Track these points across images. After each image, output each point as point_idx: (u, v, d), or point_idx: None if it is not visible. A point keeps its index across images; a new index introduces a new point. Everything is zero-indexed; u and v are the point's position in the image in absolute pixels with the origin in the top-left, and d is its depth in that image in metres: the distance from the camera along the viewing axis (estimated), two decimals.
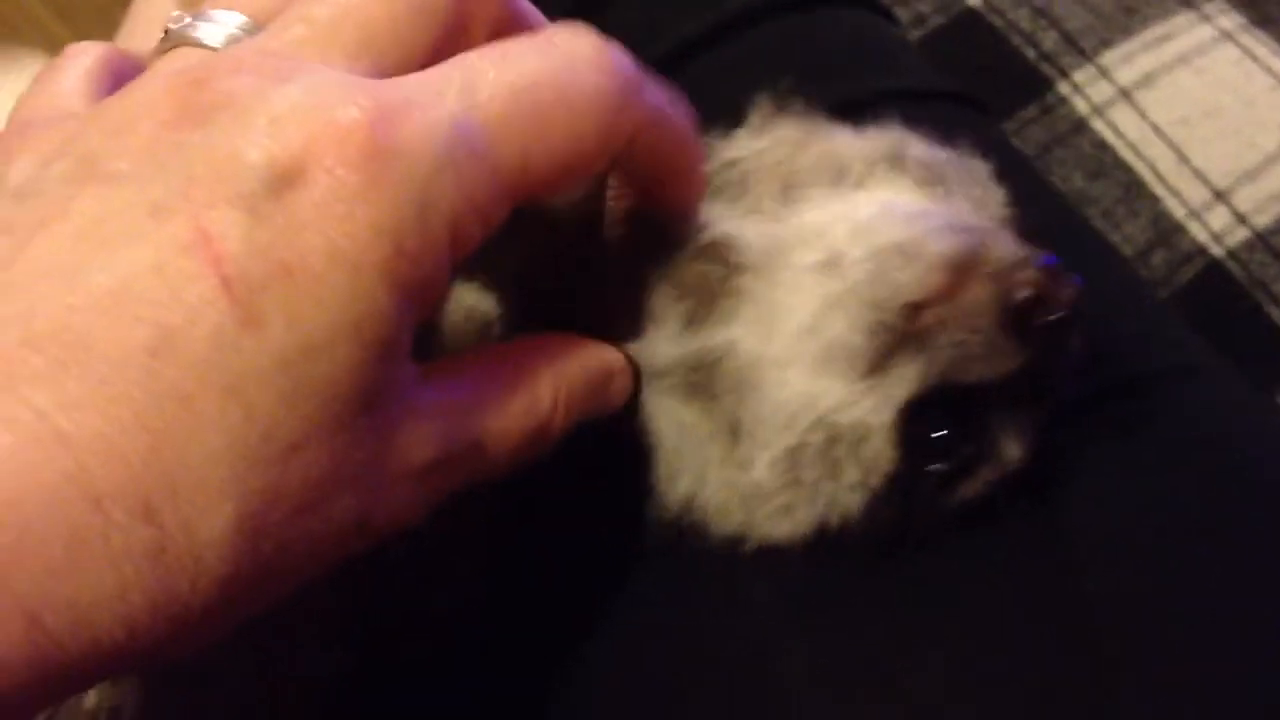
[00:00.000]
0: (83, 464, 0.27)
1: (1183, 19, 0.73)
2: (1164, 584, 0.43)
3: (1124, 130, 0.70)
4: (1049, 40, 0.72)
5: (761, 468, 0.42)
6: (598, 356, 0.40)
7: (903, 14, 0.72)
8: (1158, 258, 0.67)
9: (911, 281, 0.41)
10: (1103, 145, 0.70)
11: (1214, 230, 0.67)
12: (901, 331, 0.41)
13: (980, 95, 0.61)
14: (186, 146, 0.30)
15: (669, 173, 0.40)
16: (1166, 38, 0.72)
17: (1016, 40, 0.72)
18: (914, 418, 0.41)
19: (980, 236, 0.42)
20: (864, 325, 0.41)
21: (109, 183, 0.30)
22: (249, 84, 0.31)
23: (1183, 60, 0.71)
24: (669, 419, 0.43)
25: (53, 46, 1.52)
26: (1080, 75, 0.71)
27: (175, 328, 0.28)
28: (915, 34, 0.73)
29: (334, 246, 0.29)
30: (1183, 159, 0.69)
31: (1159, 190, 0.68)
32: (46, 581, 0.26)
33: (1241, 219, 0.67)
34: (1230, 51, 0.72)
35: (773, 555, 0.43)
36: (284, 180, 0.29)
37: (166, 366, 0.28)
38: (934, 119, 0.49)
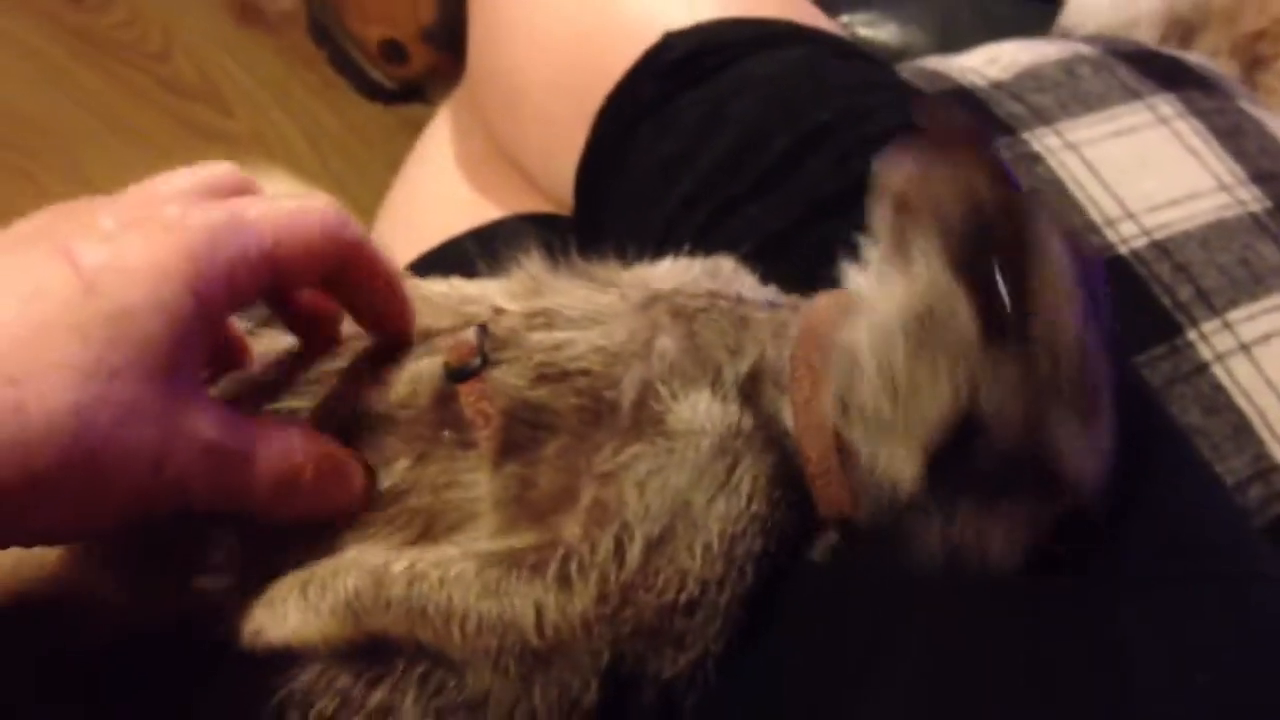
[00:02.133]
0: None
1: None
2: None
3: (1239, 378, 0.81)
4: (1185, 292, 0.84)
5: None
6: (344, 456, 0.57)
7: None
8: (1254, 491, 0.78)
9: None
10: (1219, 388, 0.81)
11: None
12: None
13: (1119, 331, 0.74)
14: (55, 223, 0.50)
15: (381, 289, 0.58)
16: None
17: (1156, 289, 0.85)
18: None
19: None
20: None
21: (5, 241, 0.50)
22: (98, 200, 0.51)
23: None
24: None
25: (298, 167, 1.74)
26: (1208, 326, 0.83)
27: (39, 289, 0.46)
28: None
29: (153, 257, 0.48)
30: None
31: (1264, 434, 0.79)
32: None
33: None
34: None
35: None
36: (123, 227, 0.49)
37: (31, 308, 0.46)
38: None
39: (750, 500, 0.57)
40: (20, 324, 0.46)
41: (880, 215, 0.58)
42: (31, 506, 0.46)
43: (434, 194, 1.12)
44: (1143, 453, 0.61)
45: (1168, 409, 0.75)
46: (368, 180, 1.73)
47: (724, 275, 0.65)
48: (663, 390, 0.58)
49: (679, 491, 0.56)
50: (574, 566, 0.55)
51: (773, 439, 0.58)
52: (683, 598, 0.56)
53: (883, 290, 0.57)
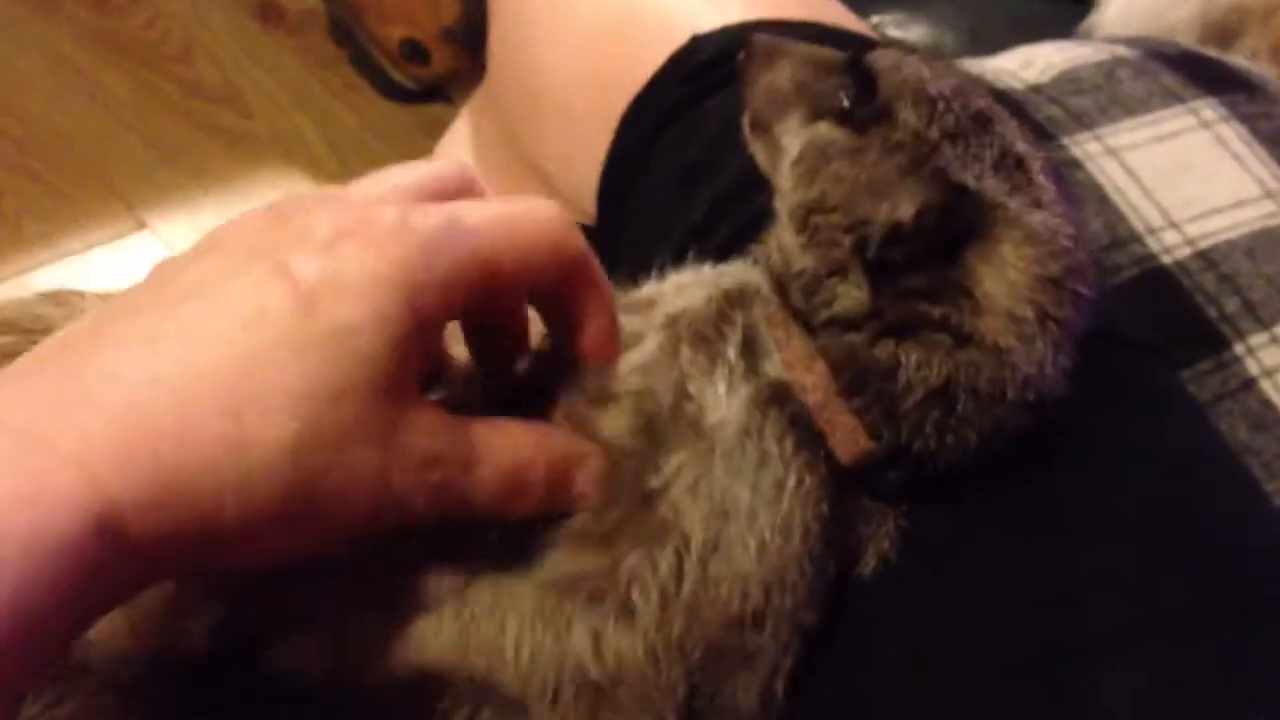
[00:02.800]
0: (192, 386, 0.43)
1: None
2: None
3: None
4: (1231, 304, 0.81)
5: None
6: (576, 443, 0.55)
7: None
8: None
9: None
10: (1268, 404, 0.78)
11: None
12: None
13: (1163, 344, 0.71)
14: (273, 230, 0.48)
15: (593, 309, 0.55)
16: None
17: (1200, 300, 0.82)
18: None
19: None
20: None
21: (218, 253, 0.48)
22: (313, 200, 0.50)
23: None
24: None
25: (318, 168, 1.72)
26: (1256, 340, 0.80)
27: (261, 312, 0.45)
28: (1110, 281, 0.83)
29: (369, 270, 0.46)
30: None
31: None
32: (172, 449, 0.41)
33: None
34: None
35: None
36: (340, 237, 0.47)
37: (254, 333, 0.44)
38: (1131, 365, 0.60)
39: (786, 471, 0.55)
40: (243, 351, 0.44)
41: (754, 150, 0.64)
42: (251, 540, 0.44)
43: None
44: (1189, 480, 0.59)
45: (1216, 428, 0.72)
46: None
47: (731, 274, 0.64)
48: (691, 388, 0.57)
49: (724, 488, 0.55)
50: (636, 591, 0.53)
51: (779, 395, 0.57)
52: (749, 608, 0.54)
53: (780, 186, 0.61)
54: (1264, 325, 0.81)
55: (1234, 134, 0.90)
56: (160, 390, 0.42)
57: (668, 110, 0.79)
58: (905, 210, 0.54)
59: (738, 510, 0.54)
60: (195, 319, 0.45)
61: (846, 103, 0.58)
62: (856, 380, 0.56)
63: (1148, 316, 0.80)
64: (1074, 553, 0.56)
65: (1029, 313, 0.54)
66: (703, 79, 0.79)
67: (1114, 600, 0.55)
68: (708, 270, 0.65)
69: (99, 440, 0.40)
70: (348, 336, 0.45)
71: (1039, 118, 0.90)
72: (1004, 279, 0.54)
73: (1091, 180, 0.87)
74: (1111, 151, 0.88)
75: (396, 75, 1.79)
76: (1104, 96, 0.92)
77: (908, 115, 0.56)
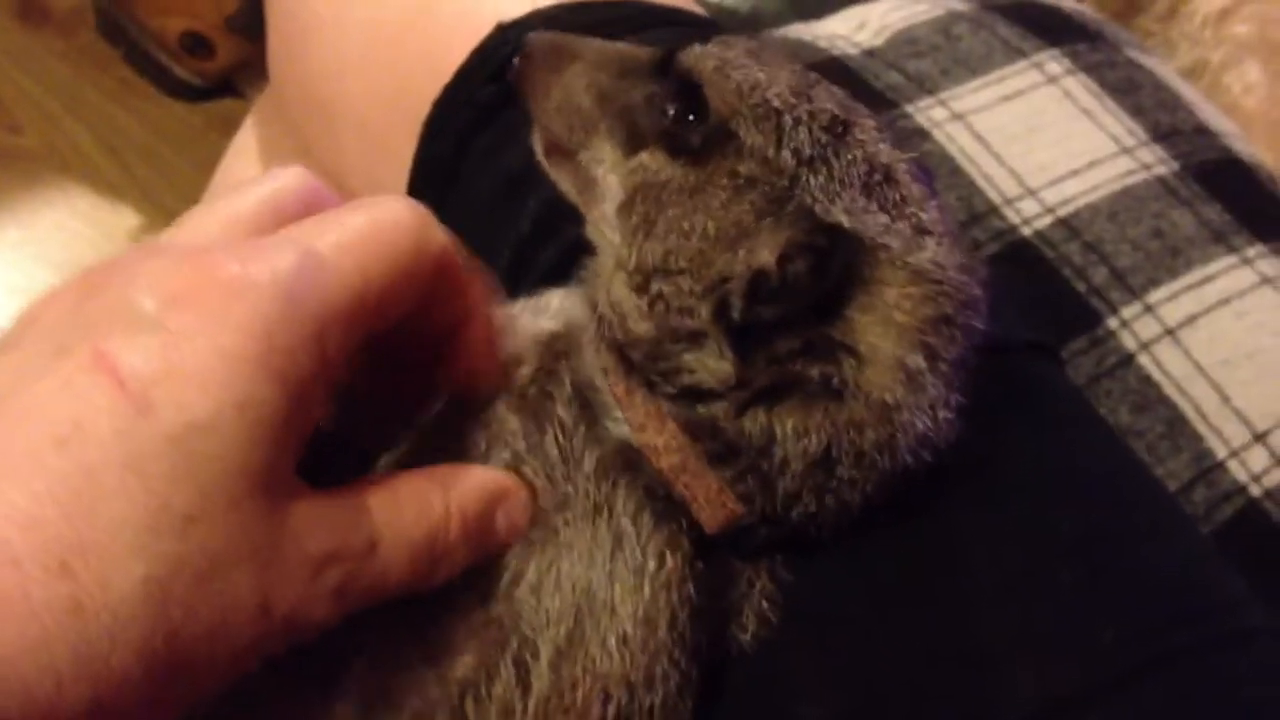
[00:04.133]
0: (3, 535, 0.33)
1: (1225, 262, 0.77)
2: None
3: (1169, 368, 0.73)
4: (1099, 275, 0.76)
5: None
6: (490, 477, 0.47)
7: None
8: (1198, 494, 0.70)
9: None
10: (1148, 381, 0.73)
11: (1253, 471, 0.70)
12: None
13: (1033, 325, 0.65)
14: (84, 308, 0.38)
15: (465, 308, 0.47)
16: (1209, 279, 0.76)
17: (1067, 273, 0.76)
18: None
19: None
20: None
21: (20, 349, 0.38)
22: (131, 260, 0.40)
23: (1224, 302, 0.75)
24: None
25: (99, 181, 1.58)
26: (1128, 311, 0.75)
27: (79, 422, 0.35)
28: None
29: (215, 344, 0.37)
30: (1224, 399, 0.72)
31: (1201, 428, 0.72)
32: None
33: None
34: (1270, 296, 0.75)
35: None
36: (169, 306, 0.37)
37: (74, 452, 0.35)
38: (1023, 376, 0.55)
39: (644, 554, 0.48)
40: (64, 479, 0.34)
41: (555, 177, 0.54)
42: (106, 717, 0.34)
43: None
44: (1113, 511, 0.53)
45: (1120, 438, 0.67)
46: (177, 187, 1.58)
47: (551, 312, 0.55)
48: (527, 471, 0.49)
49: (576, 579, 0.48)
50: (470, 706, 0.46)
51: (630, 460, 0.50)
52: (610, 712, 0.47)
53: (599, 232, 0.52)
54: (1135, 295, 0.76)
55: (1081, 87, 0.85)
56: None
57: (476, 113, 0.70)
58: (765, 256, 0.46)
59: (592, 603, 0.47)
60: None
61: (671, 123, 0.49)
62: (722, 451, 0.49)
63: (1016, 298, 0.74)
64: (987, 614, 0.50)
65: (920, 361, 0.47)
66: None
67: (1049, 664, 0.49)
68: (524, 308, 0.56)
69: None
70: (197, 439, 0.36)
71: (879, 86, 0.83)
72: (891, 325, 0.47)
73: (941, 150, 0.81)
74: (958, 116, 0.82)
75: (179, 71, 1.65)
76: (944, 57, 0.86)
77: (751, 138, 0.48)
